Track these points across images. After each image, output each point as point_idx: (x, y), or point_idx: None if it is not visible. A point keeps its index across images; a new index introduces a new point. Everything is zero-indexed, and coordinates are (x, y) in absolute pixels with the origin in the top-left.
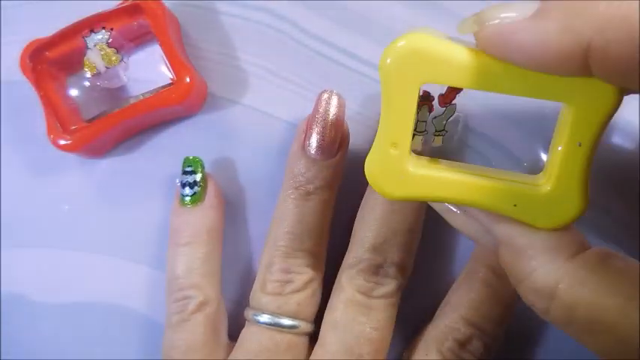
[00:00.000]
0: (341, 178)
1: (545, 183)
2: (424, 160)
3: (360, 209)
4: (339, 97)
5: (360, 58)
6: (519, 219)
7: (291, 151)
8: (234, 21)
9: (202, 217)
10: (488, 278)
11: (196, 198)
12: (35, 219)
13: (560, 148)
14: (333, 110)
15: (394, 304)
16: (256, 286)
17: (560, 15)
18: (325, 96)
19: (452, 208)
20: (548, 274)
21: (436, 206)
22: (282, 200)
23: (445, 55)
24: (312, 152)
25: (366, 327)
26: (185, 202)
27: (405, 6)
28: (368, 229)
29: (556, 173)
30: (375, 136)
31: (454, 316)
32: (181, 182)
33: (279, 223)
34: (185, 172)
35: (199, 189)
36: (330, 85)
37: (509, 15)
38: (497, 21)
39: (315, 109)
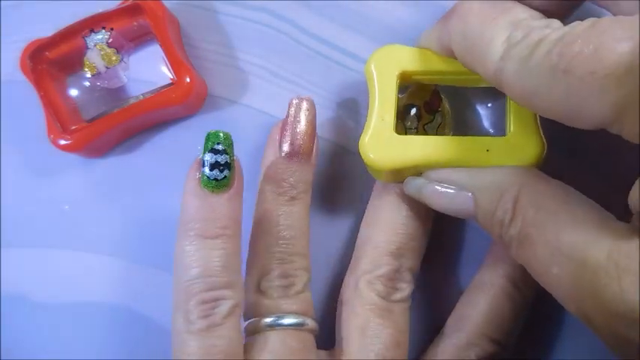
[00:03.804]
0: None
1: (507, 129)
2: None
3: (367, 214)
4: (309, 101)
5: (360, 58)
6: (492, 164)
7: (268, 158)
8: (234, 21)
9: (231, 206)
10: (507, 290)
11: (225, 183)
12: (35, 219)
13: (510, 104)
14: (304, 115)
15: (409, 308)
16: (254, 294)
17: (437, 27)
18: (295, 102)
19: (425, 184)
20: (513, 185)
21: (412, 191)
22: (265, 207)
23: (411, 52)
24: (292, 158)
25: (392, 331)
26: (212, 187)
27: (405, 6)
28: (383, 235)
29: (514, 119)
30: None
31: (474, 331)
32: (207, 162)
33: (268, 230)
34: (215, 151)
35: (230, 173)
36: (330, 85)
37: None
38: (420, 37)
39: (288, 116)
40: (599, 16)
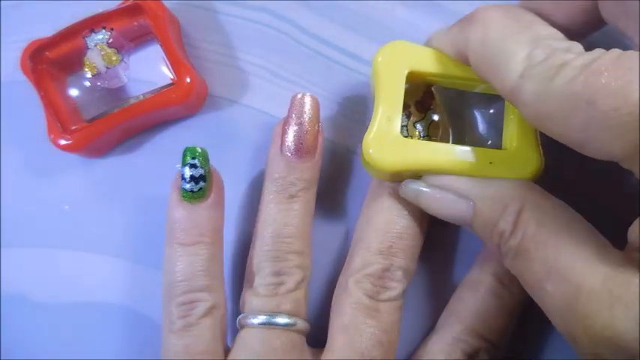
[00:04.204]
0: (319, 175)
1: (510, 144)
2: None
3: (362, 213)
4: (313, 98)
5: (359, 58)
6: (493, 176)
7: (270, 155)
8: (234, 21)
9: (208, 215)
10: (495, 288)
11: (201, 194)
12: (35, 219)
13: (512, 117)
14: (307, 112)
15: (400, 307)
16: (247, 291)
17: (453, 30)
18: (298, 97)
19: (424, 188)
20: (516, 198)
21: (409, 194)
22: (265, 204)
23: (421, 51)
24: (292, 155)
25: (375, 330)
26: (188, 198)
27: (405, 6)
28: (374, 234)
29: (516, 134)
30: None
31: (461, 327)
32: (184, 176)
33: (265, 227)
34: (190, 165)
35: (205, 184)
36: (330, 85)
37: (437, 31)
38: (431, 36)
39: (290, 112)
40: (617, 39)
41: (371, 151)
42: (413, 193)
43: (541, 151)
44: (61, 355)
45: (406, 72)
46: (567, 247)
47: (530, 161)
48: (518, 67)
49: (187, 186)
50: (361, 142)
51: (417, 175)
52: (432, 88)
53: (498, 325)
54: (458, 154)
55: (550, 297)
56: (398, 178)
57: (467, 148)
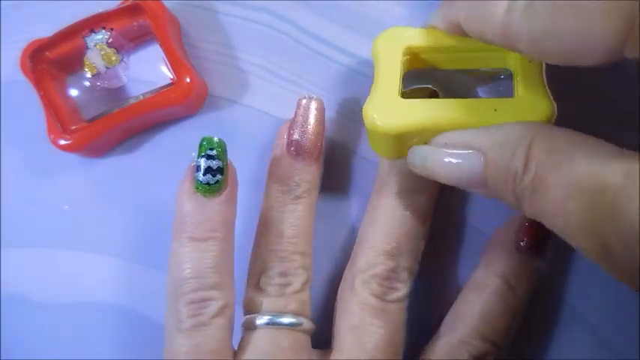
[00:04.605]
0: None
1: (515, 91)
2: None
3: (367, 214)
4: (319, 101)
5: (359, 58)
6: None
7: (274, 156)
8: (234, 21)
9: (221, 210)
10: (500, 290)
11: (217, 187)
12: (35, 219)
13: (519, 78)
14: (313, 115)
15: (405, 307)
16: (252, 291)
17: (443, 5)
18: (304, 101)
19: (430, 150)
20: (525, 137)
21: (416, 160)
22: (269, 205)
23: (418, 30)
24: (297, 157)
25: (384, 330)
26: (204, 191)
27: (405, 6)
28: (380, 234)
29: (522, 81)
30: None
31: (467, 330)
32: (200, 167)
33: (270, 227)
34: (208, 156)
35: (222, 178)
36: (329, 85)
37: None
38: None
39: (297, 115)
40: None
41: (373, 118)
42: (420, 158)
43: (551, 96)
44: (61, 355)
45: (404, 46)
46: (582, 162)
47: (540, 106)
48: (503, 4)
49: (204, 178)
50: (363, 126)
51: (424, 143)
52: (437, 91)
53: (502, 326)
54: (461, 106)
55: (573, 215)
56: (403, 148)
57: (470, 100)
